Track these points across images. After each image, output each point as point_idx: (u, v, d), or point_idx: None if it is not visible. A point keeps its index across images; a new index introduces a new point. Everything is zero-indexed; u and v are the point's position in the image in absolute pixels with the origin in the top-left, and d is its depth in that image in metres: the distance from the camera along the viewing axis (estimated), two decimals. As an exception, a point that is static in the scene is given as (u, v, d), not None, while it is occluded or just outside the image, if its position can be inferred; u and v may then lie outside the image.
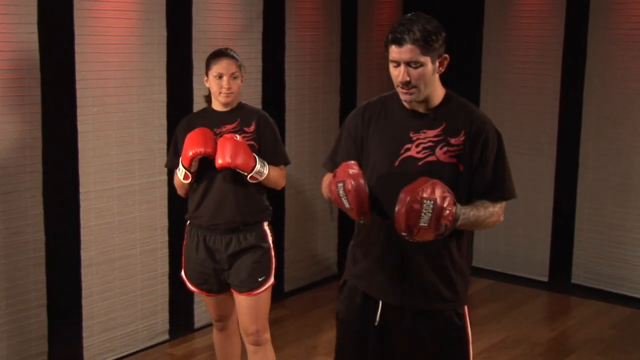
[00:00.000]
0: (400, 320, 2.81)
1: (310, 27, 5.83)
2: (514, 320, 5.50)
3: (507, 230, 6.37)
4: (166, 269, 4.92)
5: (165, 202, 4.86)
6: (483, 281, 6.29)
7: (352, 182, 2.62)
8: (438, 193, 2.54)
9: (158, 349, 4.86)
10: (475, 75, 6.48)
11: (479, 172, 2.75)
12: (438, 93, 2.77)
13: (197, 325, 5.14)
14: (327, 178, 2.91)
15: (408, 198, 2.52)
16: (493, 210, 2.76)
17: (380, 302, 2.81)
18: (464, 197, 2.73)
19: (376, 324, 2.82)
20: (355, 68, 6.29)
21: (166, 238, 4.90)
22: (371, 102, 2.89)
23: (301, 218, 5.98)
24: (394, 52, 2.66)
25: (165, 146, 4.80)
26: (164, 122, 4.80)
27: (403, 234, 2.56)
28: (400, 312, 2.80)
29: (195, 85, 4.95)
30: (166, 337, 4.98)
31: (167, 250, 4.91)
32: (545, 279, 6.28)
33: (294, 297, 5.85)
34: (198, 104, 4.90)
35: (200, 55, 4.94)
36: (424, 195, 2.52)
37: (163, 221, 4.88)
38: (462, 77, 6.72)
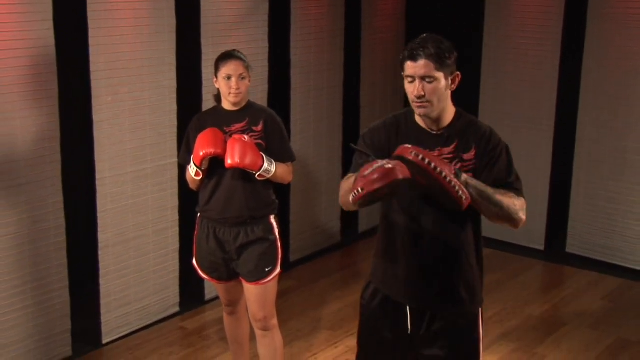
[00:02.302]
0: (420, 322, 3.02)
1: (315, 5, 5.97)
2: (510, 292, 5.76)
3: (506, 200, 6.59)
4: (177, 245, 5.18)
5: (175, 183, 5.09)
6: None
7: (390, 168, 2.64)
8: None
9: (171, 322, 5.15)
10: (476, 50, 6.62)
11: (492, 175, 2.89)
12: (449, 112, 2.94)
13: (207, 297, 5.41)
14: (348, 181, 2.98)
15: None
16: (507, 193, 2.86)
17: (408, 308, 3.00)
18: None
19: (409, 332, 3.02)
20: (359, 43, 6.44)
21: (177, 217, 5.14)
22: (388, 121, 3.03)
23: (306, 190, 6.20)
24: (410, 67, 2.83)
25: (175, 131, 5.01)
26: (174, 107, 5.00)
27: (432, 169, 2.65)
28: (421, 315, 3.01)
29: (204, 70, 5.13)
30: (177, 309, 5.26)
31: (177, 228, 5.16)
32: (542, 248, 6.53)
33: (299, 267, 6.11)
34: (207, 88, 5.10)
35: (209, 40, 5.13)
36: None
37: (173, 201, 5.11)
38: (464, 51, 6.87)
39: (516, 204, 2.89)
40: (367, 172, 2.65)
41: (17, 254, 4.31)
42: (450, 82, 2.87)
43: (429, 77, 2.81)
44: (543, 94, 6.33)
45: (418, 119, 2.96)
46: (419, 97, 2.83)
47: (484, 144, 2.91)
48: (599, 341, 4.99)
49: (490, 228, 6.59)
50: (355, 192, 2.66)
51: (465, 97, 6.59)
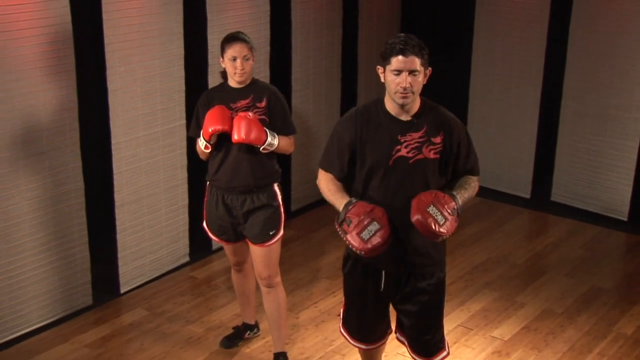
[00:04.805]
0: (397, 282, 3.53)
1: (314, -33, 6.24)
2: (496, 240, 6.19)
3: (496, 151, 6.99)
4: (186, 201, 5.58)
5: (184, 143, 5.46)
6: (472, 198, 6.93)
7: (385, 237, 3.20)
8: (429, 198, 3.22)
9: (181, 272, 5.59)
10: (470, 10, 6.89)
11: (459, 159, 3.43)
12: (417, 101, 3.39)
13: (214, 247, 5.84)
14: (324, 177, 3.51)
15: (419, 217, 3.18)
16: (475, 185, 3.47)
17: (384, 272, 3.50)
18: (444, 181, 3.42)
19: (381, 289, 3.53)
20: (357, 1, 6.71)
21: (185, 175, 5.53)
22: (358, 111, 3.45)
23: (306, 143, 6.57)
24: (399, 61, 3.24)
25: (183, 95, 5.36)
26: (182, 73, 5.33)
27: (441, 238, 3.24)
28: (398, 276, 3.51)
29: (209, 37, 5.44)
30: (187, 259, 5.70)
31: (186, 185, 5.55)
32: (528, 196, 6.95)
33: (299, 217, 6.52)
34: (212, 54, 5.42)
35: (214, 7, 5.44)
36: (424, 208, 3.18)
37: (183, 160, 5.49)
38: (458, 9, 7.14)
39: (475, 189, 3.45)
40: (365, 236, 3.21)
41: (42, 215, 4.71)
42: (424, 76, 3.31)
43: (415, 70, 3.24)
44: (532, 51, 6.64)
45: (389, 108, 3.38)
46: (405, 89, 3.23)
47: (450, 129, 3.38)
48: (574, 289, 5.43)
49: (480, 176, 7.04)
50: (359, 252, 3.22)
51: (459, 54, 6.97)
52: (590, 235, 6.29)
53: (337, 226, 3.30)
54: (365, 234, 3.19)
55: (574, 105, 6.57)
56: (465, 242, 6.14)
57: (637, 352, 4.69)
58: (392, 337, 3.84)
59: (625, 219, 6.45)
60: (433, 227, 3.17)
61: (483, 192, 7.02)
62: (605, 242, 6.20)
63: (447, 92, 7.02)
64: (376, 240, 3.18)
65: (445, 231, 3.19)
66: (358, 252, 3.20)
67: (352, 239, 3.21)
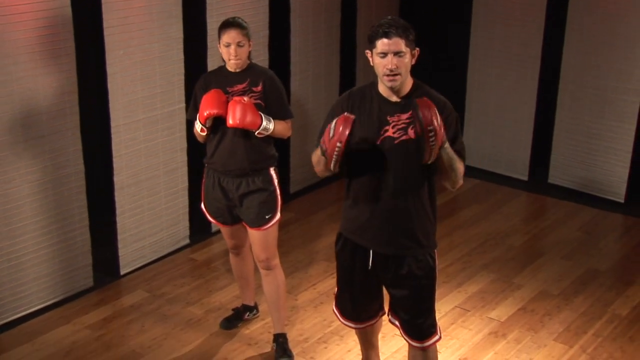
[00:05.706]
0: (386, 263, 3.57)
1: (312, -50, 6.25)
2: (494, 222, 6.23)
3: (494, 133, 7.02)
4: (186, 184, 5.62)
5: (183, 126, 5.49)
6: (470, 181, 6.94)
7: (342, 126, 3.25)
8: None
9: (181, 254, 5.64)
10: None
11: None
12: (408, 83, 3.44)
13: (214, 229, 5.88)
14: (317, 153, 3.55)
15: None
16: (460, 162, 3.42)
17: (371, 251, 3.55)
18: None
19: (369, 268, 3.58)
20: (355, -16, 6.74)
21: (185, 158, 5.57)
22: (353, 92, 3.54)
23: (304, 127, 6.60)
24: (384, 44, 3.30)
25: (183, 78, 5.38)
26: (182, 57, 5.35)
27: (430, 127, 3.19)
28: (386, 257, 3.55)
29: (208, 20, 5.46)
30: (187, 241, 5.75)
31: (186, 168, 5.59)
32: (526, 178, 6.99)
33: (298, 199, 6.56)
34: (211, 37, 5.43)
35: (213, -10, 5.45)
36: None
37: (182, 143, 5.52)
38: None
39: (462, 171, 3.44)
40: (331, 133, 3.25)
41: (42, 198, 4.75)
42: (411, 57, 3.34)
43: (400, 52, 3.29)
44: (530, 34, 6.65)
45: (381, 90, 3.44)
46: (391, 70, 3.28)
47: (439, 112, 3.34)
48: (571, 271, 5.48)
49: (479, 160, 7.08)
50: (336, 151, 3.26)
51: (457, 37, 6.98)
52: (588, 218, 6.33)
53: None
54: (332, 131, 3.27)
55: (572, 88, 6.59)
56: (463, 224, 6.18)
57: (631, 332, 4.74)
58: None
59: (622, 201, 6.49)
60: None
61: (481, 174, 7.13)
62: (602, 224, 6.24)
63: (445, 75, 7.06)
64: (337, 124, 3.24)
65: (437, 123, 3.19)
66: (339, 146, 3.24)
67: (324, 143, 3.30)
